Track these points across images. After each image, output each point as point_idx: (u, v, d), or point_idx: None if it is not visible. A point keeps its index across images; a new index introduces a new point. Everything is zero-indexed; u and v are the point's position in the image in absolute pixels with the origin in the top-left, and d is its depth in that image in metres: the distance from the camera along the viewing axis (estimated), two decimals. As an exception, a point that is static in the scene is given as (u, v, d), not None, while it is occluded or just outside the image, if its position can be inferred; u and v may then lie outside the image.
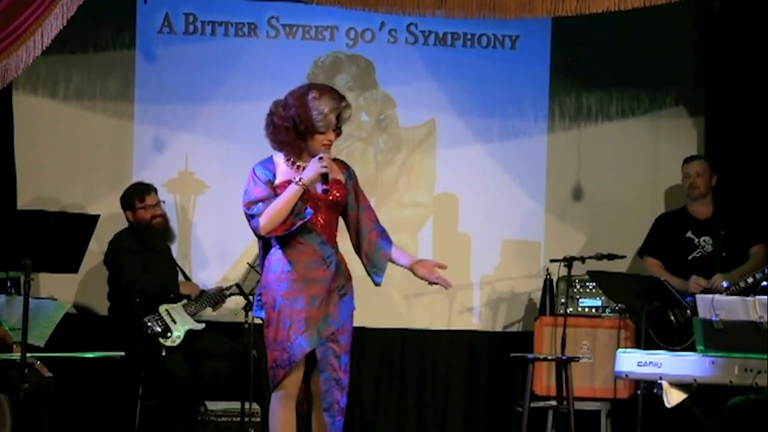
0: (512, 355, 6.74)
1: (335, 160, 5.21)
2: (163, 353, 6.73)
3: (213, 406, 7.00)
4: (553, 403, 6.96)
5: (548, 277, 7.46)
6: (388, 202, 7.77)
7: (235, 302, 7.22)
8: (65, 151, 7.57)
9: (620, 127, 7.88)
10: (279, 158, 5.14)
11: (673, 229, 7.28)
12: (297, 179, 5.02)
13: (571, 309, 7.34)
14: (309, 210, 5.05)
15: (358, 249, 5.23)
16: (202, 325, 6.97)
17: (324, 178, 5.03)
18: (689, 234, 7.22)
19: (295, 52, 7.69)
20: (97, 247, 6.94)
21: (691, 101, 7.85)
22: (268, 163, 5.14)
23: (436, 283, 5.19)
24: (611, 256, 7.04)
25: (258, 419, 6.86)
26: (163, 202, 7.13)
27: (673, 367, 5.49)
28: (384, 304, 7.54)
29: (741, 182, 7.43)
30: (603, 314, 7.39)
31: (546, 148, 7.83)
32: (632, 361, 5.60)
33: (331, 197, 5.09)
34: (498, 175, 7.79)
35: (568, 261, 7.12)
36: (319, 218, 5.09)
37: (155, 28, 7.64)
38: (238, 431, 6.89)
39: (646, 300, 6.68)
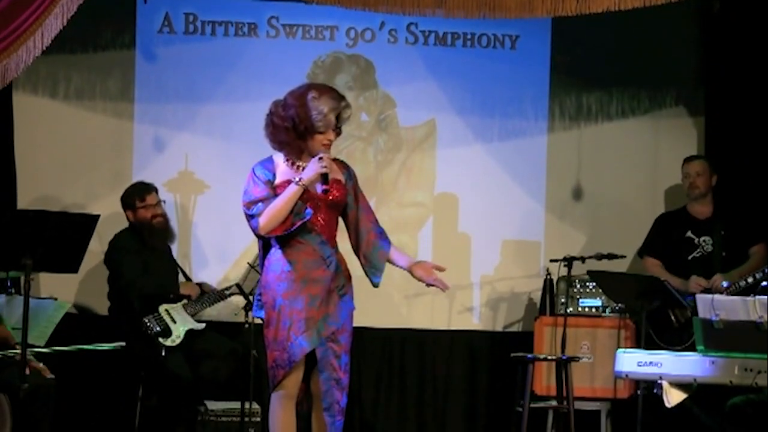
0: (512, 355, 6.74)
1: (335, 160, 5.20)
2: (163, 353, 6.73)
3: (213, 406, 7.00)
4: (553, 403, 6.96)
5: (548, 277, 7.46)
6: (388, 202, 7.77)
7: (235, 302, 7.23)
8: (65, 151, 7.58)
9: (620, 127, 7.88)
10: (279, 158, 5.14)
11: (673, 228, 7.28)
12: (297, 179, 5.02)
13: (571, 309, 7.34)
14: (309, 210, 5.05)
15: (356, 249, 5.23)
16: (202, 325, 6.97)
17: (324, 178, 5.03)
18: (689, 234, 7.22)
19: (295, 51, 7.69)
20: (97, 247, 6.94)
21: (691, 101, 7.85)
22: (268, 163, 5.14)
23: (434, 285, 5.20)
24: (611, 256, 7.04)
25: (258, 419, 6.85)
26: (164, 201, 7.13)
27: (673, 367, 5.49)
28: (384, 304, 7.54)
29: (741, 182, 7.43)
30: (603, 314, 7.39)
31: (546, 148, 7.83)
32: (632, 361, 5.60)
33: (330, 197, 5.08)
34: (498, 175, 7.79)
35: (568, 261, 7.12)
36: (318, 218, 5.09)
37: (155, 28, 7.64)
38: (238, 431, 6.89)
39: (646, 300, 6.68)
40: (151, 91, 7.63)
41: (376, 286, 5.22)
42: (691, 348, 5.77)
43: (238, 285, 7.06)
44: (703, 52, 7.80)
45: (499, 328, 7.76)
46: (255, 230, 5.07)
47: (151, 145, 7.63)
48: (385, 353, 7.73)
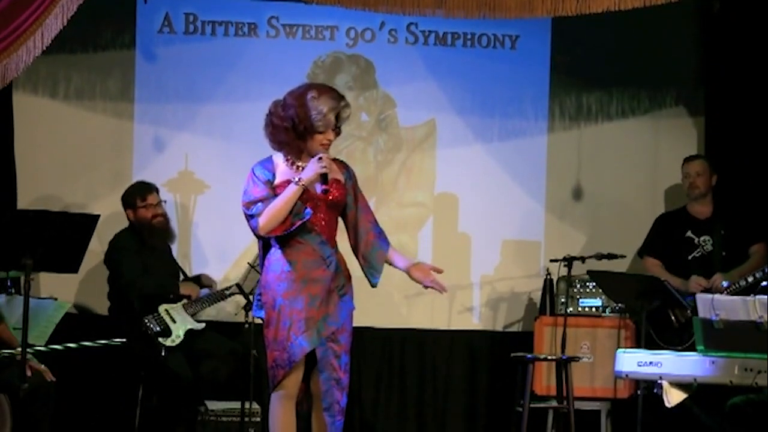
0: (512, 355, 6.74)
1: (335, 160, 5.20)
2: (163, 353, 6.73)
3: (213, 406, 7.00)
4: (553, 403, 6.96)
5: (548, 276, 7.46)
6: (388, 202, 7.77)
7: (235, 302, 7.23)
8: (65, 151, 7.58)
9: (620, 127, 7.88)
10: (278, 158, 5.14)
11: (673, 228, 7.28)
12: (296, 179, 5.02)
13: (571, 309, 7.34)
14: (308, 210, 5.05)
15: (355, 250, 5.23)
16: (202, 325, 6.97)
17: (323, 178, 5.03)
18: (689, 233, 7.22)
19: (295, 51, 7.69)
20: (97, 247, 6.94)
21: (691, 101, 7.85)
22: (268, 163, 5.14)
23: (431, 287, 5.19)
24: (611, 256, 7.04)
25: (258, 419, 6.86)
26: (164, 202, 7.13)
27: (673, 367, 5.49)
28: (384, 304, 7.54)
29: (741, 182, 7.43)
30: (603, 314, 7.39)
31: (546, 148, 7.83)
32: (632, 361, 5.60)
33: (330, 197, 5.08)
34: (498, 175, 7.79)
35: (568, 261, 7.12)
36: (318, 218, 5.09)
37: (155, 28, 7.64)
38: (238, 431, 6.89)
39: (646, 300, 6.68)
40: (151, 91, 7.63)
41: (374, 286, 5.22)
42: (692, 348, 5.77)
43: (238, 285, 7.06)
44: (703, 52, 7.80)
45: (499, 328, 7.76)
46: (255, 230, 5.07)
47: (151, 145, 7.63)
48: (385, 353, 7.73)
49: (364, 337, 7.34)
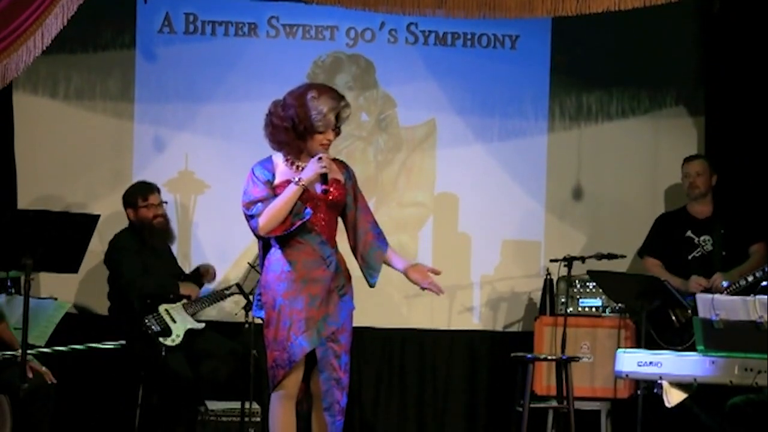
0: (512, 355, 6.73)
1: (334, 160, 5.21)
2: (163, 353, 6.73)
3: (213, 406, 7.00)
4: (553, 403, 6.96)
5: (548, 276, 7.46)
6: (388, 202, 7.77)
7: (235, 302, 7.23)
8: (65, 150, 7.58)
9: (620, 127, 7.88)
10: (278, 158, 5.15)
11: (673, 228, 7.28)
12: (296, 179, 5.02)
13: (571, 309, 7.34)
14: (308, 210, 5.05)
15: (354, 249, 5.23)
16: (201, 325, 6.97)
17: (323, 178, 5.03)
18: (689, 233, 7.22)
19: (295, 51, 7.69)
20: (97, 247, 6.94)
21: (691, 101, 7.85)
22: (267, 163, 5.14)
23: (428, 289, 5.19)
24: (611, 256, 7.04)
25: (258, 419, 6.86)
26: (165, 203, 7.13)
27: (673, 367, 5.49)
28: (384, 304, 7.54)
29: (741, 182, 7.43)
30: (603, 314, 7.39)
31: (546, 148, 7.83)
32: (632, 361, 5.60)
33: (330, 197, 5.09)
34: (498, 175, 7.79)
35: (568, 261, 7.12)
36: (318, 218, 5.09)
37: (155, 27, 7.64)
38: (238, 431, 6.89)
39: (647, 300, 6.68)
40: (151, 91, 7.63)
41: (372, 286, 5.22)
42: (693, 348, 5.77)
43: (238, 285, 7.06)
44: (703, 52, 7.80)
45: (499, 328, 7.76)
46: (255, 230, 5.08)
47: (151, 145, 7.63)
48: (385, 353, 7.73)
49: (364, 337, 7.35)
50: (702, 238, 7.19)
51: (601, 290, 7.29)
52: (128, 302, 6.83)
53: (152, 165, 7.57)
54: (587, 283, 7.39)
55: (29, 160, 7.47)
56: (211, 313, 7.37)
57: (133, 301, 6.81)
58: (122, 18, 7.60)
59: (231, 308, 7.37)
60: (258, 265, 5.57)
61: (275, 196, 5.04)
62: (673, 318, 6.91)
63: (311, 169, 5.01)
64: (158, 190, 7.10)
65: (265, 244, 5.16)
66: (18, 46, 6.04)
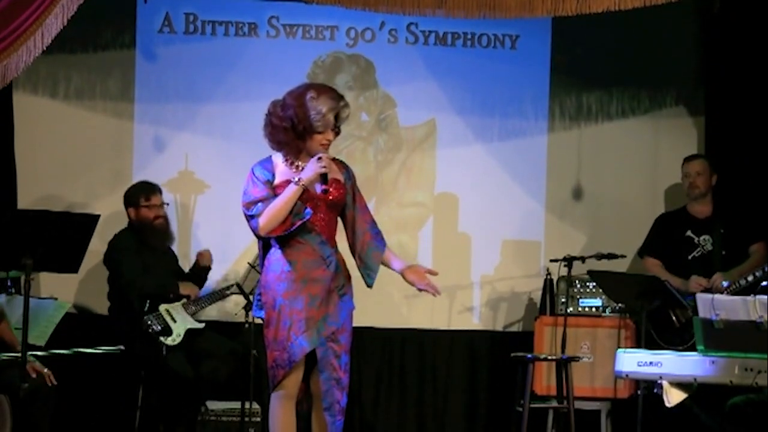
0: (512, 354, 6.73)
1: (334, 159, 5.20)
2: (164, 352, 6.73)
3: (213, 405, 7.00)
4: (554, 403, 6.96)
5: (548, 276, 7.46)
6: (388, 202, 7.77)
7: (235, 302, 7.23)
8: (65, 150, 7.58)
9: (620, 127, 7.88)
10: (278, 158, 5.15)
11: (673, 228, 7.28)
12: (296, 179, 5.02)
13: (571, 309, 7.34)
14: (308, 210, 5.05)
15: (352, 249, 5.23)
16: (201, 325, 6.97)
17: (323, 177, 5.03)
18: (689, 233, 7.22)
19: (295, 51, 7.69)
20: (97, 247, 6.92)
21: (691, 101, 7.85)
22: (267, 164, 5.14)
23: (425, 290, 5.19)
24: (611, 256, 7.04)
25: (258, 419, 6.86)
26: (167, 204, 7.13)
27: (673, 367, 5.49)
28: (384, 304, 7.54)
29: (741, 182, 7.43)
30: (603, 314, 7.39)
31: (546, 148, 7.83)
32: (632, 361, 5.60)
33: (330, 197, 5.09)
34: (498, 175, 7.79)
35: (568, 261, 7.12)
36: (318, 218, 5.09)
37: (155, 27, 7.64)
38: (238, 431, 6.89)
39: (647, 300, 6.68)
40: (151, 91, 7.63)
41: (369, 286, 5.22)
42: (693, 348, 5.77)
43: (238, 285, 7.06)
44: (703, 52, 7.80)
45: (499, 328, 7.76)
46: (255, 231, 5.07)
47: (151, 145, 7.63)
48: (385, 353, 7.73)
49: (364, 337, 7.35)
50: (702, 237, 7.19)
51: (601, 290, 7.29)
52: (128, 302, 6.83)
53: (152, 165, 7.57)
54: (587, 283, 7.39)
55: (29, 160, 7.47)
56: (211, 313, 7.37)
57: (133, 301, 6.81)
58: (122, 18, 7.60)
59: (231, 308, 7.37)
60: (258, 265, 5.57)
61: (275, 196, 5.04)
62: (673, 318, 6.91)
63: (311, 168, 5.01)
64: (160, 191, 7.10)
65: (265, 244, 5.16)
66: (18, 46, 6.04)
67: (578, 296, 7.42)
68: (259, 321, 5.33)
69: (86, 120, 7.60)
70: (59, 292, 7.09)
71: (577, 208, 7.84)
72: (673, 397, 5.51)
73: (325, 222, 5.12)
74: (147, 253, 6.98)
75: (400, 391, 7.71)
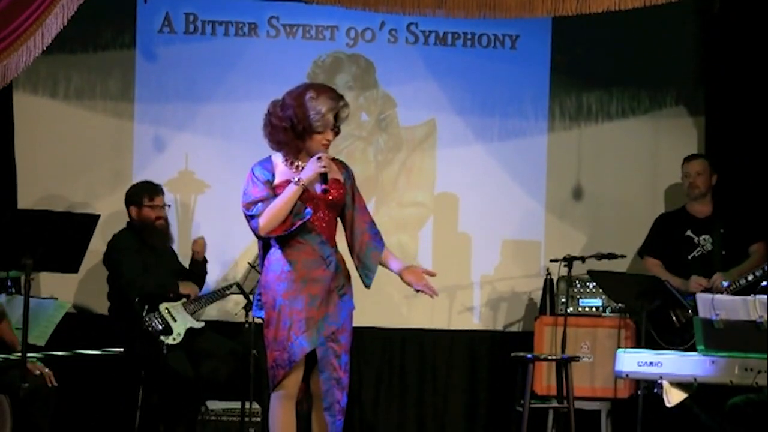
0: (512, 354, 6.73)
1: (334, 159, 5.20)
2: (164, 351, 6.73)
3: (213, 405, 7.00)
4: (554, 403, 6.96)
5: (548, 276, 7.46)
6: (388, 201, 7.77)
7: (235, 302, 7.23)
8: (65, 150, 7.58)
9: (620, 126, 7.88)
10: (277, 158, 5.14)
11: (673, 228, 7.28)
12: (296, 179, 5.01)
13: (571, 309, 7.34)
14: (308, 210, 5.05)
15: (351, 249, 5.23)
16: (201, 324, 6.98)
17: (323, 177, 5.03)
18: (689, 233, 7.22)
19: (295, 51, 7.69)
20: (97, 247, 6.93)
21: (691, 101, 7.85)
22: (267, 164, 5.14)
23: (422, 291, 5.18)
24: (611, 256, 7.04)
25: (258, 419, 6.86)
26: (169, 206, 7.13)
27: (673, 367, 5.49)
28: (384, 304, 7.54)
29: (741, 181, 7.43)
30: (603, 314, 7.39)
31: (546, 148, 7.84)
32: (632, 361, 5.60)
33: (330, 197, 5.08)
34: (498, 175, 7.79)
35: (569, 261, 7.13)
36: (318, 218, 5.09)
37: (155, 27, 7.64)
38: (238, 431, 6.89)
39: (647, 300, 6.68)
40: (151, 91, 7.63)
41: (367, 286, 5.20)
42: (693, 348, 5.77)
43: (238, 284, 7.07)
44: (703, 52, 7.80)
45: (499, 328, 7.76)
46: (255, 231, 5.07)
47: (151, 145, 7.63)
48: (385, 353, 7.73)
49: (364, 337, 7.35)
50: (702, 237, 7.19)
51: (601, 290, 7.29)
52: (128, 302, 6.83)
53: (152, 165, 7.57)
54: (587, 283, 7.39)
55: (29, 160, 7.47)
56: (211, 312, 7.37)
57: (133, 301, 6.81)
58: (122, 18, 7.61)
59: (231, 308, 7.37)
60: (258, 265, 5.57)
61: (275, 196, 5.04)
62: (674, 318, 6.91)
63: (311, 168, 5.01)
64: (163, 193, 7.11)
65: (265, 244, 5.16)
66: (18, 46, 6.04)
67: (578, 296, 7.42)
68: (259, 321, 5.33)
69: (86, 120, 7.60)
70: (59, 292, 7.09)
71: (577, 208, 7.84)
72: (673, 397, 5.51)
73: (325, 222, 5.12)
74: (147, 253, 6.98)
75: (400, 391, 7.71)
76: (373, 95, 7.79)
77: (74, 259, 5.84)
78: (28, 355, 5.72)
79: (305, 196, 5.04)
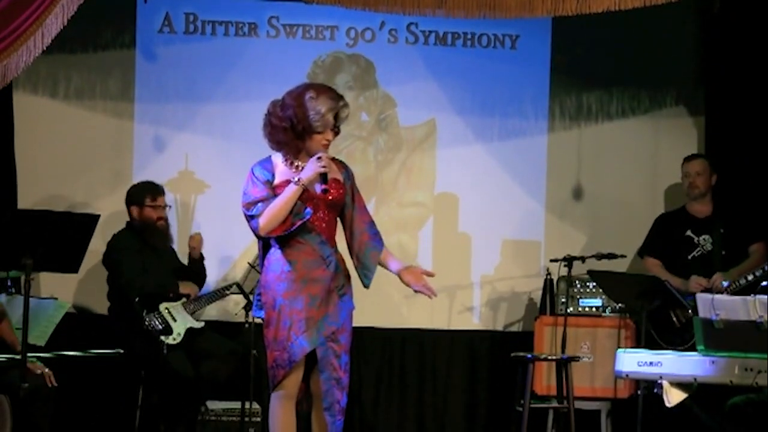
0: (512, 354, 6.73)
1: (333, 159, 5.20)
2: (165, 351, 6.73)
3: (213, 405, 7.00)
4: (554, 403, 6.95)
5: (548, 276, 7.46)
6: (388, 201, 7.77)
7: (235, 302, 7.23)
8: (65, 150, 7.58)
9: (620, 126, 7.88)
10: (277, 158, 5.14)
11: (673, 228, 7.28)
12: (296, 179, 5.01)
13: (571, 309, 7.34)
14: (308, 210, 5.05)
15: (350, 249, 5.23)
16: (201, 324, 6.98)
17: (323, 177, 5.03)
18: (689, 233, 7.22)
19: (295, 51, 7.69)
20: (97, 247, 6.93)
21: (691, 101, 7.85)
22: (267, 164, 5.14)
23: (421, 292, 5.18)
24: (611, 256, 7.04)
25: (258, 419, 6.86)
26: (170, 207, 7.13)
27: (673, 367, 5.49)
28: (384, 304, 7.54)
29: (741, 181, 7.43)
30: (603, 314, 7.39)
31: (546, 148, 7.84)
32: (632, 361, 5.60)
33: (330, 197, 5.08)
34: (498, 175, 7.79)
35: (569, 261, 7.13)
36: (318, 218, 5.09)
37: (155, 27, 7.64)
38: (238, 431, 6.89)
39: (647, 300, 6.68)
40: (151, 91, 7.63)
41: (366, 286, 5.20)
42: (693, 348, 5.77)
43: (238, 284, 7.07)
44: (703, 52, 7.80)
45: (499, 327, 7.76)
46: (255, 231, 5.07)
47: (151, 145, 7.63)
48: (385, 353, 7.73)
49: (364, 337, 7.35)
50: (702, 237, 7.19)
51: (601, 290, 7.29)
52: (128, 302, 6.83)
53: (152, 165, 7.57)
54: (587, 283, 7.39)
55: (29, 160, 7.47)
56: (211, 312, 7.37)
57: (132, 301, 6.81)
58: (122, 18, 7.61)
59: (231, 308, 7.37)
60: (258, 265, 5.57)
61: (275, 196, 5.04)
62: (674, 318, 6.91)
63: (311, 168, 5.01)
64: (164, 193, 7.11)
65: (265, 244, 5.16)
66: (18, 46, 6.04)
67: (578, 296, 7.42)
68: (259, 321, 5.33)
69: (86, 120, 7.61)
70: (59, 292, 7.09)
71: (577, 208, 7.84)
72: (673, 397, 5.51)
73: (325, 222, 5.12)
74: (147, 253, 6.98)
75: (400, 391, 7.71)
76: (373, 95, 7.79)
77: (74, 259, 5.84)
78: (28, 355, 5.73)
79: (305, 196, 5.04)
